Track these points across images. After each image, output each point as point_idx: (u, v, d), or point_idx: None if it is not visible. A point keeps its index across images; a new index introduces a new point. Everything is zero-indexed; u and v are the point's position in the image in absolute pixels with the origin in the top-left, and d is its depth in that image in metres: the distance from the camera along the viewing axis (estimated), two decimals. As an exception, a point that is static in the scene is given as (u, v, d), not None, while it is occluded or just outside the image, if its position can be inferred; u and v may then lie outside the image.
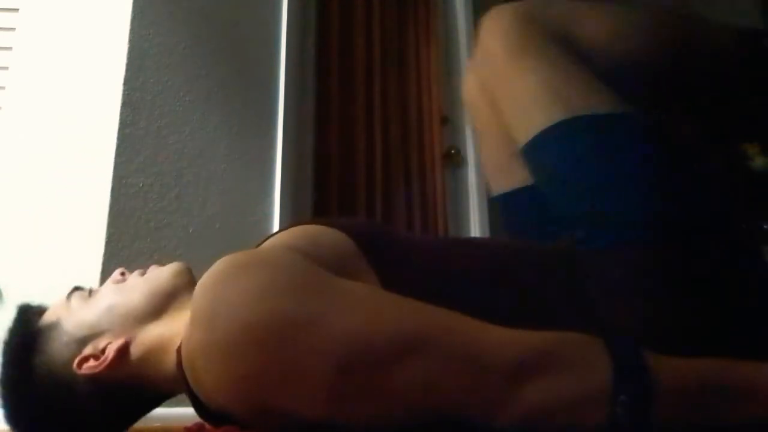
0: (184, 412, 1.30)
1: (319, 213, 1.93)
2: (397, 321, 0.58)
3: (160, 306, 0.80)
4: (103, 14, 1.50)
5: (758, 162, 1.99)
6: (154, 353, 0.78)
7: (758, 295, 0.75)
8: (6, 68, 1.45)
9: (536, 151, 0.86)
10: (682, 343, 0.63)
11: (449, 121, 2.56)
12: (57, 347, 0.77)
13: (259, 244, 0.79)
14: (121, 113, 1.39)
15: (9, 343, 0.79)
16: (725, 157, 1.97)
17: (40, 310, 0.83)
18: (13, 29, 1.48)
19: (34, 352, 0.78)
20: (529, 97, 0.87)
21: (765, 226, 1.93)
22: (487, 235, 2.39)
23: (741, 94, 1.00)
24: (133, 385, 0.78)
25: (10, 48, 1.47)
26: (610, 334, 0.60)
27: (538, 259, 0.79)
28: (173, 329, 0.77)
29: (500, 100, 0.93)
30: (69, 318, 0.80)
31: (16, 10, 1.50)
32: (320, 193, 2.01)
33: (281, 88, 1.89)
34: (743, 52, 0.95)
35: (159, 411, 1.30)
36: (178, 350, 0.72)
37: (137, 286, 0.82)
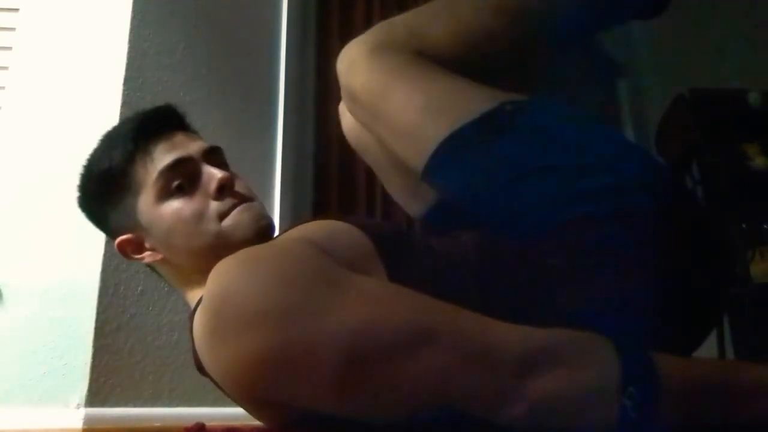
0: (184, 412, 1.30)
1: (319, 213, 1.93)
2: (406, 314, 0.59)
3: (205, 266, 0.73)
4: (103, 14, 1.50)
5: (758, 162, 2.00)
6: (177, 281, 0.82)
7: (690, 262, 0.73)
8: (6, 68, 1.45)
9: (436, 172, 0.83)
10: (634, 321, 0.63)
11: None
12: (133, 197, 0.79)
13: (277, 236, 0.80)
14: (121, 113, 1.39)
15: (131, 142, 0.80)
16: (725, 156, 1.97)
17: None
18: (13, 29, 1.48)
19: (127, 172, 0.79)
20: (409, 125, 0.84)
21: (765, 226, 1.94)
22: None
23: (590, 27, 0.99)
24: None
25: (10, 48, 1.47)
26: (612, 331, 0.60)
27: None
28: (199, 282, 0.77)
29: (383, 137, 0.89)
30: (161, 200, 0.78)
31: (16, 10, 1.50)
32: (320, 193, 2.01)
33: (281, 88, 1.89)
34: None
35: (159, 411, 1.30)
36: (191, 316, 0.72)
37: (211, 235, 0.77)
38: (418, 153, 0.83)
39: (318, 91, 2.10)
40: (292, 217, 1.78)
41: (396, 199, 1.04)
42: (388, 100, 0.85)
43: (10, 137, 1.41)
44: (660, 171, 0.83)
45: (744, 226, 1.95)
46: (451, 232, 0.83)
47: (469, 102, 0.82)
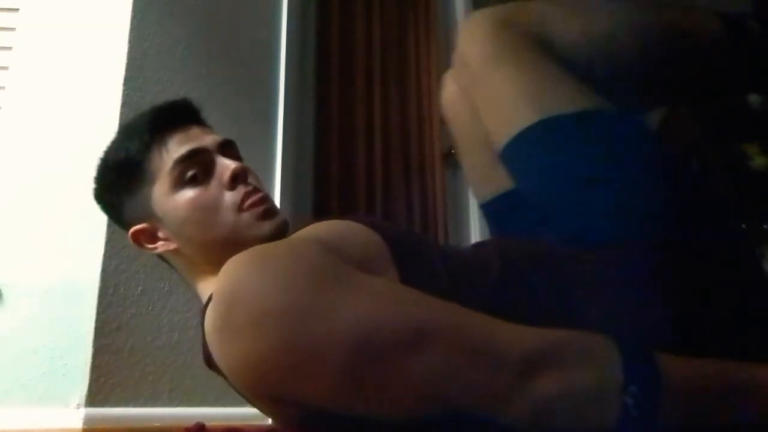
0: (184, 412, 1.30)
1: (319, 213, 1.93)
2: (410, 313, 0.59)
3: (216, 259, 0.74)
4: (103, 14, 1.50)
5: (758, 162, 2.00)
6: (189, 272, 0.82)
7: (753, 293, 0.74)
8: (6, 68, 1.46)
9: (514, 153, 0.86)
10: (674, 341, 0.63)
11: (449, 121, 2.56)
12: (148, 186, 0.79)
13: (289, 234, 0.81)
14: (121, 113, 1.39)
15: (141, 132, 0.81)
16: (725, 156, 1.97)
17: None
18: (13, 29, 1.48)
19: (143, 163, 0.80)
20: (506, 101, 0.87)
21: (765, 226, 1.94)
22: (485, 236, 2.39)
23: (726, 80, 0.99)
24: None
25: (10, 48, 1.47)
26: (617, 332, 0.60)
27: (535, 259, 0.79)
28: (212, 273, 0.76)
29: (479, 106, 0.93)
30: (176, 189, 0.79)
31: (16, 10, 1.50)
32: (320, 193, 2.01)
33: (281, 89, 1.89)
34: (727, 37, 0.94)
35: (159, 411, 1.30)
36: (203, 310, 0.73)
37: (226, 226, 0.78)
38: (506, 130, 0.86)
39: (318, 91, 2.10)
40: (292, 217, 1.77)
41: (468, 177, 1.08)
42: (496, 71, 0.88)
43: (10, 137, 1.41)
44: (712, 208, 0.84)
45: (744, 226, 1.95)
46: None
47: (567, 96, 0.85)
